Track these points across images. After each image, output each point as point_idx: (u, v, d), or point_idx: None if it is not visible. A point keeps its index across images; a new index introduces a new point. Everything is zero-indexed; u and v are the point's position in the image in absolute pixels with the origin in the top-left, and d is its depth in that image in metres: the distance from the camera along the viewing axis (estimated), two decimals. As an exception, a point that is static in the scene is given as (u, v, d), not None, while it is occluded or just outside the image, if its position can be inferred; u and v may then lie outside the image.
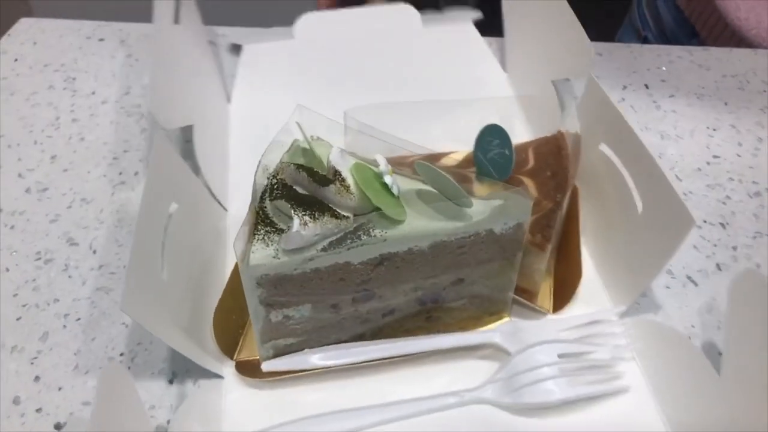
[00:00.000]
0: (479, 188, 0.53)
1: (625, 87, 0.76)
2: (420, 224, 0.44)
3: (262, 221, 0.44)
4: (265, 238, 0.43)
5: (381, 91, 0.73)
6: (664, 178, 0.47)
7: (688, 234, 0.45)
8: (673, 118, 0.73)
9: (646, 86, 0.77)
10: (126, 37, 0.83)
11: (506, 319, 0.53)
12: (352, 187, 0.43)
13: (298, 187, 0.44)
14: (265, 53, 0.80)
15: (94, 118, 0.72)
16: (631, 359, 0.51)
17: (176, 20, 0.68)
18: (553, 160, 0.54)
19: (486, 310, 0.52)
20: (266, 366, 0.49)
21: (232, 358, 0.51)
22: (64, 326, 0.53)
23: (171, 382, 0.50)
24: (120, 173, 0.66)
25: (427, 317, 0.51)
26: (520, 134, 0.59)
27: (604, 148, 0.56)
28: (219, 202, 0.62)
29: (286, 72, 0.78)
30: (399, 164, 0.55)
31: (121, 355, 0.52)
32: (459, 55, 0.80)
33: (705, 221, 0.62)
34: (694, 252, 0.60)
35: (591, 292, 0.55)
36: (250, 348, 0.51)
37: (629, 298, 0.52)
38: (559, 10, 0.63)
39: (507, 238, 0.46)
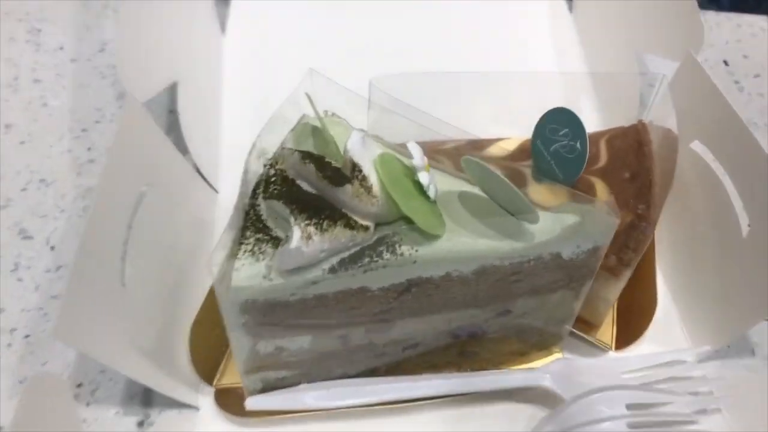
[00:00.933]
0: (536, 191, 0.41)
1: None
2: (464, 242, 0.33)
3: (252, 225, 0.33)
4: (255, 249, 0.32)
5: (416, 56, 0.59)
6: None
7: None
8: (760, 104, 0.60)
9: (725, 63, 0.64)
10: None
11: (557, 355, 0.42)
12: (375, 188, 0.31)
13: (303, 182, 0.33)
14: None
15: (60, 80, 0.59)
16: (715, 412, 0.40)
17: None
18: (632, 158, 0.42)
19: (534, 344, 0.42)
20: (251, 403, 0.38)
21: (211, 385, 0.41)
22: (9, 345, 0.42)
23: (141, 424, 0.40)
24: (89, 149, 0.54)
25: (460, 352, 0.40)
26: (588, 122, 0.47)
27: (698, 146, 0.44)
28: (207, 182, 0.50)
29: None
30: (435, 152, 0.44)
31: (79, 386, 0.41)
32: (516, 16, 0.66)
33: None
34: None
35: (665, 327, 0.44)
36: (235, 372, 0.40)
37: (717, 340, 0.41)
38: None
39: (577, 264, 0.35)
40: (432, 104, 0.42)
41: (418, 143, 0.43)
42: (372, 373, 0.40)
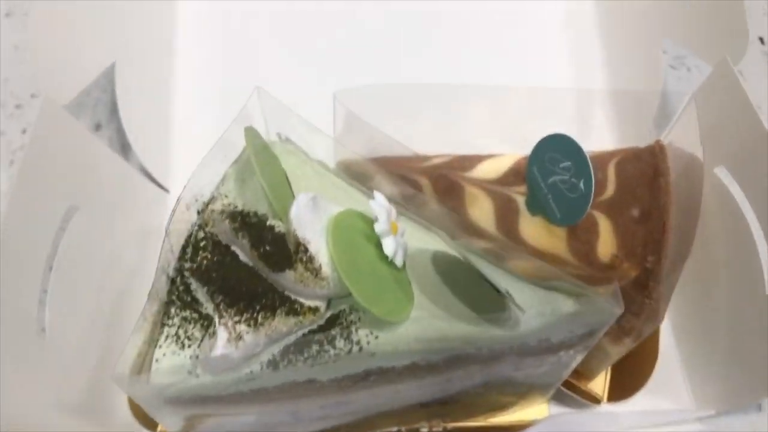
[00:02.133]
0: (529, 225, 0.35)
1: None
2: (434, 328, 0.27)
3: (178, 299, 0.27)
4: (180, 332, 0.26)
5: (392, 64, 0.47)
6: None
7: None
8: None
9: (761, 40, 0.55)
10: None
11: (542, 407, 0.38)
12: (325, 268, 0.25)
13: (238, 249, 0.27)
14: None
15: None
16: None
17: None
18: (645, 191, 0.36)
19: (517, 397, 0.37)
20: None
21: (153, 431, 0.37)
22: None
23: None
24: (24, 131, 0.48)
25: (429, 412, 0.35)
26: (597, 139, 0.39)
27: (723, 173, 0.37)
28: (156, 182, 0.44)
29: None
30: (413, 171, 0.37)
31: None
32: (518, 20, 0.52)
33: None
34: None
35: (664, 379, 0.39)
36: None
37: (724, 403, 0.36)
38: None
39: (568, 346, 0.30)
40: (408, 118, 0.35)
41: (386, 160, 0.37)
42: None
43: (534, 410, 0.37)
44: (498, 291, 0.27)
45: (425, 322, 0.27)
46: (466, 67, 0.46)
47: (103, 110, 0.49)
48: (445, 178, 0.37)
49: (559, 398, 0.38)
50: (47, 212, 0.34)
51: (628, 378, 0.38)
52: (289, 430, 0.34)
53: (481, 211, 0.36)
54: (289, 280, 0.25)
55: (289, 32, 0.48)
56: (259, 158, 0.28)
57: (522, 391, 0.36)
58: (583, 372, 0.37)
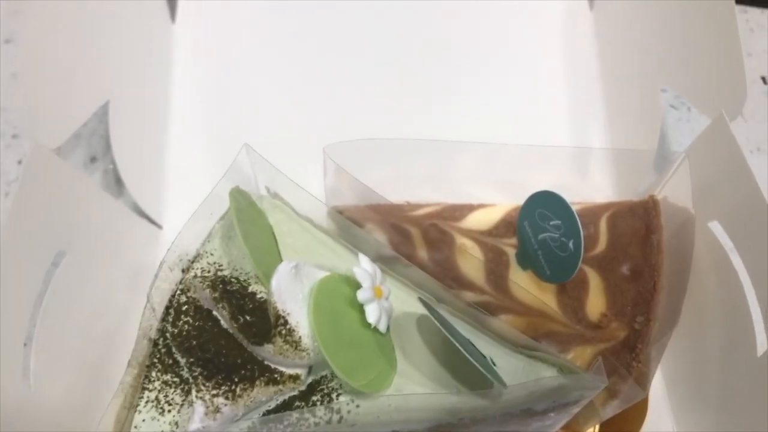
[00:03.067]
0: (520, 278, 0.35)
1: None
2: (417, 398, 0.27)
3: (159, 362, 0.27)
4: (160, 397, 0.26)
5: (383, 119, 0.45)
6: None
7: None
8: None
9: (764, 80, 0.54)
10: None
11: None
12: (306, 340, 0.25)
13: (220, 317, 0.26)
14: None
15: None
16: None
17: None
18: (637, 249, 0.35)
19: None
20: None
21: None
22: None
23: None
24: (19, 162, 0.48)
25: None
26: (593, 193, 0.38)
27: (717, 228, 0.37)
28: (149, 218, 0.44)
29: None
30: (404, 221, 0.37)
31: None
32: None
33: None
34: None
35: (654, 429, 0.38)
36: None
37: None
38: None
39: (551, 410, 0.29)
40: (399, 171, 0.35)
41: (378, 207, 0.36)
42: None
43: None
44: (489, 378, 0.27)
45: (408, 390, 0.27)
46: (461, 122, 0.45)
47: (98, 142, 0.49)
48: (435, 227, 0.37)
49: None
50: (36, 255, 0.34)
51: (618, 430, 0.38)
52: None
53: (471, 263, 0.35)
54: (268, 352, 0.25)
55: (283, 84, 0.48)
56: (243, 220, 0.28)
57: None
58: (572, 426, 0.37)
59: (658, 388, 0.40)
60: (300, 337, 0.25)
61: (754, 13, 0.59)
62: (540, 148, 0.36)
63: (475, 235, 0.37)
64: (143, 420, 0.26)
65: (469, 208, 0.38)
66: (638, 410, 0.38)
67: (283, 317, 0.25)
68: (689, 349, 0.39)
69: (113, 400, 0.26)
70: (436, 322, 0.26)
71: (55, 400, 0.34)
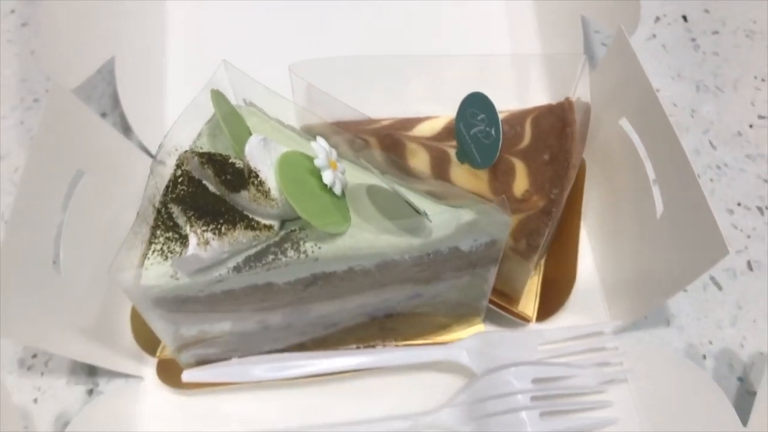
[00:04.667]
0: (458, 172, 0.42)
1: (657, 19, 0.61)
2: (365, 238, 0.34)
3: (163, 224, 0.34)
4: (164, 248, 0.34)
5: (344, 38, 0.57)
6: (696, 184, 0.36)
7: (716, 263, 0.35)
8: (714, 63, 0.58)
9: (684, 18, 0.62)
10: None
11: (479, 327, 0.44)
12: (274, 191, 0.33)
13: (208, 182, 0.34)
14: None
15: (11, 47, 0.59)
16: (622, 381, 0.43)
17: None
18: (554, 140, 0.43)
19: (455, 317, 0.44)
20: (187, 376, 0.41)
21: (154, 356, 0.44)
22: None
23: (90, 392, 0.43)
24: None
25: (380, 327, 0.42)
26: (527, 99, 0.46)
27: (625, 123, 0.44)
28: (152, 156, 0.52)
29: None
30: (362, 132, 0.44)
31: (34, 357, 0.44)
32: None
33: (739, 204, 0.51)
34: (722, 245, 0.49)
35: (587, 299, 0.45)
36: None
37: (631, 315, 0.43)
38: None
39: (477, 255, 0.36)
40: (356, 89, 0.42)
41: (342, 123, 0.44)
42: (300, 347, 0.42)
43: (471, 329, 0.44)
44: (417, 211, 0.34)
45: (358, 235, 0.34)
46: (412, 39, 0.55)
47: (107, 101, 0.57)
48: (390, 136, 0.44)
49: (495, 321, 0.45)
50: (60, 172, 0.41)
51: (553, 300, 0.45)
52: (262, 342, 0.41)
53: (419, 162, 0.43)
54: (244, 198, 0.32)
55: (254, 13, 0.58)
56: (224, 114, 0.36)
57: (457, 312, 0.43)
58: (511, 294, 0.44)
59: (588, 265, 0.47)
60: (269, 189, 0.32)
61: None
62: (478, 58, 0.44)
63: (423, 141, 0.44)
64: (151, 263, 0.33)
65: (418, 121, 0.45)
66: (568, 283, 0.45)
67: (255, 172, 0.32)
68: (610, 225, 0.46)
69: (121, 251, 0.33)
70: (381, 179, 0.33)
71: (81, 284, 0.41)
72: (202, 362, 0.42)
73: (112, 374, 0.44)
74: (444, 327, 0.44)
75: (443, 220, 0.34)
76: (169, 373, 0.43)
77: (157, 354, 0.44)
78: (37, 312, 0.37)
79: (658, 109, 0.39)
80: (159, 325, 0.36)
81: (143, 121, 0.52)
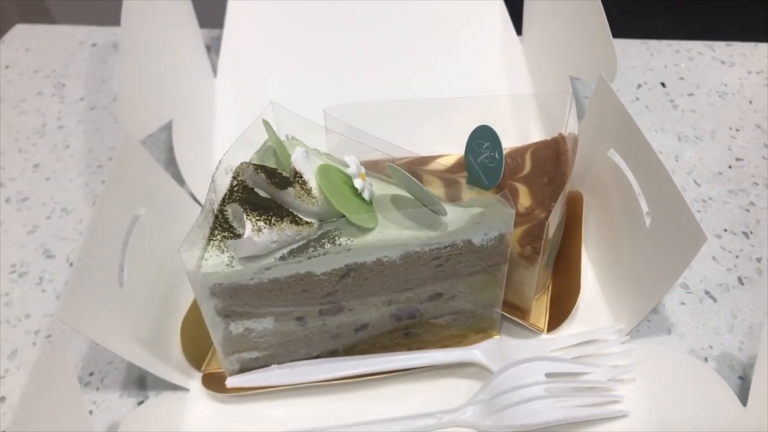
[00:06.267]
0: (468, 196, 0.48)
1: (639, 86, 0.70)
2: (390, 232, 0.40)
3: (219, 226, 0.41)
4: (221, 244, 0.40)
5: (371, 85, 0.70)
6: (674, 188, 0.42)
7: (698, 251, 0.40)
8: (692, 119, 0.67)
9: (663, 84, 0.71)
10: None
11: (494, 338, 0.49)
12: (315, 191, 0.39)
13: (259, 189, 0.41)
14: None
15: (80, 125, 0.70)
16: (631, 381, 0.46)
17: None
18: (551, 166, 0.49)
19: (472, 328, 0.48)
20: (231, 382, 0.46)
21: (200, 370, 0.48)
22: (34, 343, 0.51)
23: (141, 403, 0.47)
24: (103, 182, 0.64)
25: (405, 333, 0.47)
26: (529, 136, 0.55)
27: (613, 154, 0.51)
28: (201, 204, 0.59)
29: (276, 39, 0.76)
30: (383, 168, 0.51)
31: (91, 374, 0.49)
32: (468, 44, 0.76)
33: (726, 230, 0.56)
34: (714, 264, 0.54)
35: (591, 310, 0.50)
36: (218, 360, 0.48)
37: (633, 318, 0.47)
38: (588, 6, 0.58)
39: (489, 250, 0.42)
40: (381, 129, 0.50)
41: (371, 162, 0.51)
42: (331, 354, 0.47)
43: (487, 340, 0.48)
44: (434, 212, 0.41)
45: (384, 231, 0.40)
46: (422, 79, 0.69)
47: (163, 156, 0.65)
48: (408, 169, 0.51)
49: (510, 334, 0.49)
50: (126, 207, 0.48)
51: (560, 312, 0.49)
52: (299, 347, 0.45)
53: (434, 189, 0.49)
54: (290, 195, 0.38)
55: (287, 89, 0.69)
56: (275, 139, 0.43)
57: (473, 324, 0.47)
58: (522, 305, 0.49)
59: (591, 278, 0.52)
60: (311, 188, 0.39)
61: (654, 42, 0.77)
62: (481, 99, 0.52)
63: (437, 173, 0.51)
64: (210, 256, 0.39)
65: (433, 158, 0.53)
66: (573, 296, 0.50)
67: (299, 174, 0.39)
68: (608, 240, 0.51)
69: (184, 245, 0.39)
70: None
71: (140, 302, 0.47)
72: (244, 369, 0.46)
73: (161, 387, 0.48)
74: (462, 337, 0.48)
75: (456, 215, 0.40)
76: (214, 384, 0.47)
77: (203, 368, 0.48)
78: (99, 313, 0.43)
79: (639, 135, 0.46)
80: (212, 320, 0.41)
81: (194, 173, 0.60)
